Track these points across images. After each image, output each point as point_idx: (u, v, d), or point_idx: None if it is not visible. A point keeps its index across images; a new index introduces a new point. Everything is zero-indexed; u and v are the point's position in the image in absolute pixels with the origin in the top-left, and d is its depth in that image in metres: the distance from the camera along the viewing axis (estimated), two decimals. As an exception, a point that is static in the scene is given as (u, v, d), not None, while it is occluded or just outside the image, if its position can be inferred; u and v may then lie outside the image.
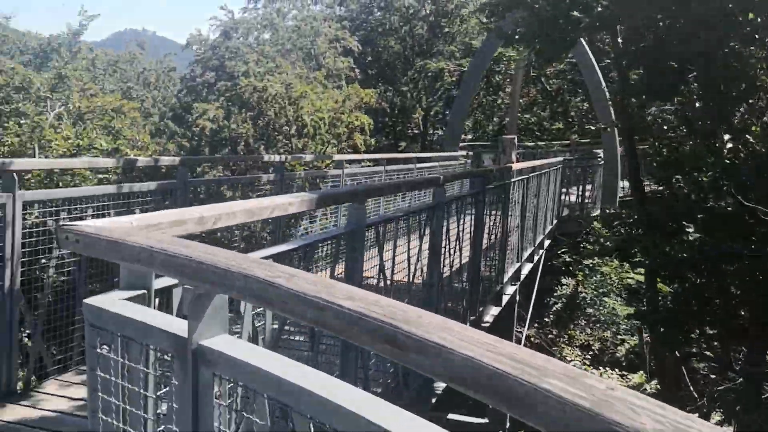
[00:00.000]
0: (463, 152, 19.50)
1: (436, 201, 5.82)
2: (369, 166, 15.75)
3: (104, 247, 2.07)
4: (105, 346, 2.00)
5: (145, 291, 2.21)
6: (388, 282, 4.86)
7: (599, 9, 8.83)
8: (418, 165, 14.68)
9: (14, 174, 5.48)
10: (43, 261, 6.01)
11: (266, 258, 3.07)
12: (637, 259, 9.70)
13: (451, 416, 8.70)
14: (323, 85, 22.86)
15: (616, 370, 14.84)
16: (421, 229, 5.56)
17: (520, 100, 25.92)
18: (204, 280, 1.68)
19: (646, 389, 13.13)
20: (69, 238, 2.22)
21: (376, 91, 23.71)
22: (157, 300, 2.34)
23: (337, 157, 11.68)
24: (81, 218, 6.21)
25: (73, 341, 6.04)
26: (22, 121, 9.46)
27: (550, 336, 16.76)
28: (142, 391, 1.94)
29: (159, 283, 2.34)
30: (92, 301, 2.07)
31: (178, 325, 1.85)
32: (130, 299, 2.14)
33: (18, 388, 5.30)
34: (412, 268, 5.42)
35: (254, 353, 1.71)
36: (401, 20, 31.59)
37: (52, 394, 5.31)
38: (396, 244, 5.11)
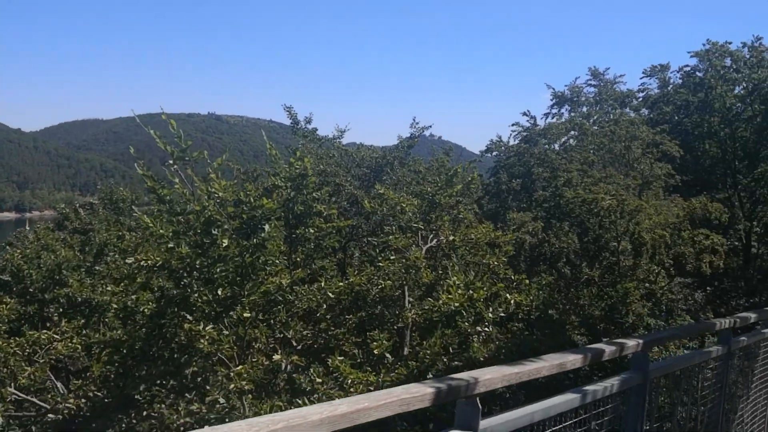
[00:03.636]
0: None
1: None
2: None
3: None
4: None
5: None
6: None
7: None
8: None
9: (477, 400, 3.36)
10: None
11: None
12: None
13: None
14: (656, 195, 19.76)
15: None
16: None
17: None
18: None
19: None
20: None
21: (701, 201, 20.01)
22: None
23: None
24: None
25: None
26: (392, 257, 7.67)
27: None
28: None
29: None
30: None
31: None
32: None
33: None
34: None
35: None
36: (722, 122, 27.57)
37: None
38: None
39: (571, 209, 19.12)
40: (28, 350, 6.99)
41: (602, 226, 18.95)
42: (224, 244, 5.31)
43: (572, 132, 29.02)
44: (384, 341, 6.55)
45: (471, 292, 6.45)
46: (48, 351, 7.06)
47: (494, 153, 30.57)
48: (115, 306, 6.32)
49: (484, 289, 6.46)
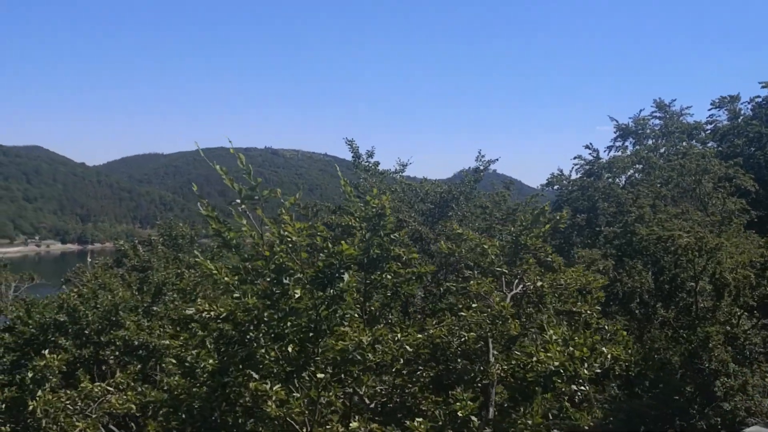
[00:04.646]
0: None
1: None
2: None
3: None
4: None
5: None
6: None
7: None
8: None
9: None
10: None
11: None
12: None
13: None
14: (737, 233, 18.46)
15: None
16: None
17: None
18: None
19: None
20: None
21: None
22: None
23: None
24: None
25: None
26: (473, 305, 6.83)
27: None
28: None
29: None
30: None
31: None
32: None
33: None
34: None
35: None
36: (797, 154, 26.00)
37: None
38: None
39: (644, 247, 17.94)
40: (80, 404, 6.38)
41: (678, 264, 17.67)
42: (296, 296, 4.61)
43: (638, 165, 27.76)
44: (468, 402, 5.72)
45: (571, 348, 5.58)
46: (101, 404, 6.43)
47: (555, 187, 29.44)
48: (173, 361, 5.67)
49: (587, 346, 5.59)
